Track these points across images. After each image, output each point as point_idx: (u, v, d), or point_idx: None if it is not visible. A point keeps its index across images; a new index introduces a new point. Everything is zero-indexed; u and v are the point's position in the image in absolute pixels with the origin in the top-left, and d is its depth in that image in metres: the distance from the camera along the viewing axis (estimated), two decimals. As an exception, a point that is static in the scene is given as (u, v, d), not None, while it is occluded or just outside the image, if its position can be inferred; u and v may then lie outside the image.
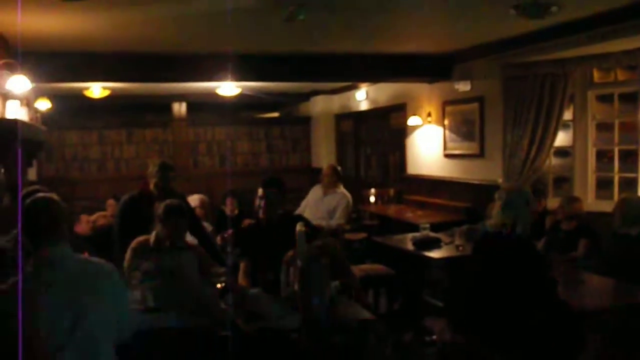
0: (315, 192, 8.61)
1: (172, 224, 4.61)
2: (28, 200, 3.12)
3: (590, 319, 4.41)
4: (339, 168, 8.78)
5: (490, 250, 4.37)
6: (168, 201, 4.77)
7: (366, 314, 4.24)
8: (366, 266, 7.19)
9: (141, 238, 4.80)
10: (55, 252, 3.01)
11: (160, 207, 4.72)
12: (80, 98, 11.07)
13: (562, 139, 7.75)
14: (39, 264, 2.98)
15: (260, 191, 5.08)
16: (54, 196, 3.20)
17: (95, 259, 3.19)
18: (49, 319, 2.87)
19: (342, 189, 8.44)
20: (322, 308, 3.90)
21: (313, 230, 4.71)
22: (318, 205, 8.34)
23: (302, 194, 9.18)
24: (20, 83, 6.06)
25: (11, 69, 6.12)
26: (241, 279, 4.79)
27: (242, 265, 4.94)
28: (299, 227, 4.10)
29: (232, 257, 5.27)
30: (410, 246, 6.72)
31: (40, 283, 2.91)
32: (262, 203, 5.04)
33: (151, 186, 5.90)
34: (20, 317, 2.81)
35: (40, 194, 3.22)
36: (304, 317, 3.88)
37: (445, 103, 9.37)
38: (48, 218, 3.04)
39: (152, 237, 4.70)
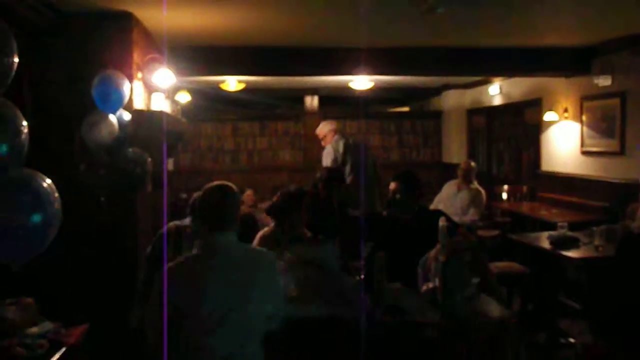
0: (450, 187, 8.58)
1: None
2: (205, 188, 3.32)
3: None
4: (473, 164, 8.68)
5: (638, 252, 4.24)
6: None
7: (505, 313, 4.18)
8: (501, 264, 7.08)
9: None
10: (222, 238, 3.18)
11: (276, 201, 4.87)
12: (216, 91, 11.41)
13: None
14: (206, 248, 3.18)
15: (392, 185, 5.06)
16: (231, 186, 3.35)
17: (258, 248, 3.31)
18: (209, 301, 3.03)
19: (476, 185, 8.38)
20: (462, 304, 3.89)
21: (454, 226, 4.67)
22: (452, 201, 8.31)
23: (432, 189, 9.15)
24: (165, 77, 6.31)
25: (157, 63, 6.38)
26: (378, 272, 4.80)
27: (378, 259, 4.95)
28: (442, 222, 4.09)
29: (366, 250, 5.30)
30: (546, 245, 6.56)
31: (205, 267, 3.10)
32: (396, 197, 5.02)
33: (324, 193, 6.08)
34: (165, 299, 3.01)
35: (217, 183, 3.38)
36: (443, 312, 3.87)
37: (584, 98, 9.08)
38: (219, 206, 3.23)
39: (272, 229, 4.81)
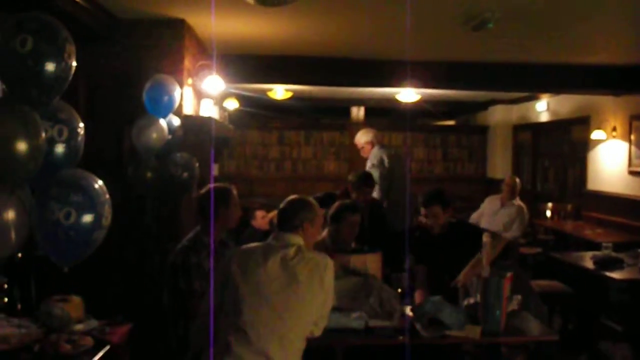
0: (492, 202, 8.52)
1: (344, 222, 4.77)
2: (291, 197, 3.50)
3: None
4: (518, 180, 8.63)
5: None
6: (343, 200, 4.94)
7: (545, 331, 4.17)
8: (543, 282, 7.02)
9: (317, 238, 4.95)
10: (281, 239, 3.32)
11: (332, 207, 4.89)
12: (263, 99, 11.50)
13: None
14: (276, 240, 3.33)
15: (422, 210, 5.05)
16: (300, 198, 3.51)
17: (317, 253, 3.37)
18: (262, 295, 3.14)
19: (519, 201, 8.32)
20: (503, 321, 3.88)
21: (496, 241, 4.66)
22: (494, 217, 8.25)
23: (474, 204, 9.11)
24: (215, 83, 6.40)
25: (207, 70, 6.47)
26: (419, 286, 4.82)
27: (419, 272, 4.97)
28: (485, 238, 4.09)
29: (408, 263, 5.32)
30: (590, 265, 6.50)
31: (261, 260, 3.21)
32: (431, 221, 5.02)
33: (353, 195, 6.11)
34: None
35: (297, 196, 3.52)
36: (483, 328, 3.87)
37: (633, 117, 8.97)
38: (288, 211, 3.40)
39: (325, 236, 4.84)
